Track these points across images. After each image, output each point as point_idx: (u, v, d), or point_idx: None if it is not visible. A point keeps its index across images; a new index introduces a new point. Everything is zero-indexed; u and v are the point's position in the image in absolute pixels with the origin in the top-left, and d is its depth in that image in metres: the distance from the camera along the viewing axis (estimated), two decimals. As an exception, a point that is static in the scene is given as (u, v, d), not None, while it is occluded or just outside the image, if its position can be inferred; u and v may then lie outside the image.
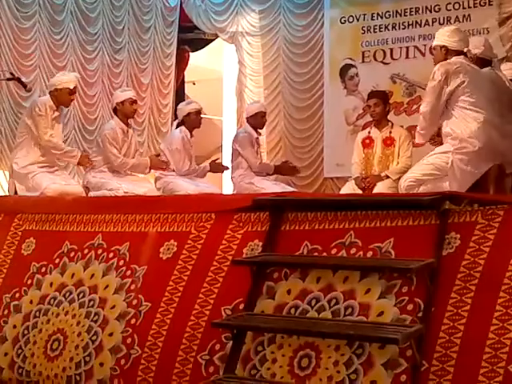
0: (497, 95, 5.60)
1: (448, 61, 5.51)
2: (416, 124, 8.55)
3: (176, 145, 7.78)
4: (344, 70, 9.73)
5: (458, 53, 5.59)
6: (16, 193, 7.03)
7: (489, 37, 7.72)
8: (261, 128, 8.34)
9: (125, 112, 7.38)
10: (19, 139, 7.14)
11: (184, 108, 7.99)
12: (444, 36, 5.68)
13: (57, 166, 7.27)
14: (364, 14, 9.57)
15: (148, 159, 7.64)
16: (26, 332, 4.40)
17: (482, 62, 5.78)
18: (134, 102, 7.47)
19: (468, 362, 3.17)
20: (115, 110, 7.47)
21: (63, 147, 7.11)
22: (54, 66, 9.05)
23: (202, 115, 8.21)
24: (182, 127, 7.86)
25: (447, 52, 5.60)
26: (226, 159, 9.55)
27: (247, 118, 8.28)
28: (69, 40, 9.34)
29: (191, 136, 7.89)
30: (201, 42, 11.10)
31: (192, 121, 7.82)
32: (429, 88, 5.57)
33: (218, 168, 8.31)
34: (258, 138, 8.23)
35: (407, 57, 9.20)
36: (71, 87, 7.00)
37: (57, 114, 7.03)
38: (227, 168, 8.30)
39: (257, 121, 8.16)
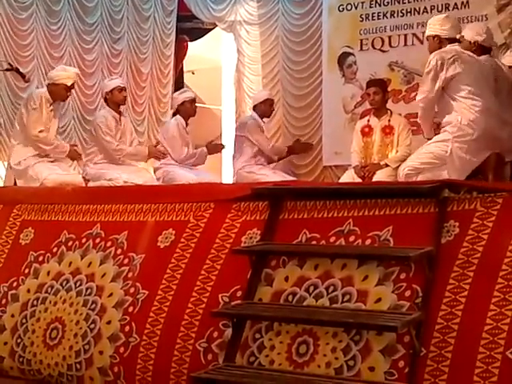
0: (496, 83, 5.58)
1: (443, 49, 5.52)
2: (414, 112, 8.64)
3: (172, 132, 7.86)
4: (342, 58, 9.69)
5: (451, 40, 5.60)
6: (15, 184, 7.05)
7: (487, 23, 7.70)
8: (268, 116, 8.40)
9: (114, 100, 7.47)
10: (15, 130, 7.19)
11: (178, 97, 8.06)
12: (435, 25, 5.68)
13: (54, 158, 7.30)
14: (362, 2, 9.51)
15: (146, 148, 7.66)
16: (24, 321, 4.42)
17: (482, 49, 5.76)
18: (123, 89, 7.54)
19: (466, 348, 3.17)
20: (105, 100, 7.53)
21: (52, 142, 7.07)
22: (51, 56, 9.03)
23: (201, 104, 8.25)
24: (177, 116, 7.91)
25: (440, 41, 5.62)
26: (226, 148, 9.54)
27: (255, 106, 8.34)
28: (66, 30, 9.30)
29: (187, 125, 7.91)
30: (199, 32, 11.06)
31: (187, 109, 7.87)
32: (424, 76, 5.59)
33: (215, 148, 8.29)
34: (263, 126, 8.27)
35: (405, 44, 9.15)
36: (68, 84, 7.03)
37: (53, 107, 7.05)
38: (224, 146, 8.30)
39: (265, 108, 8.30)
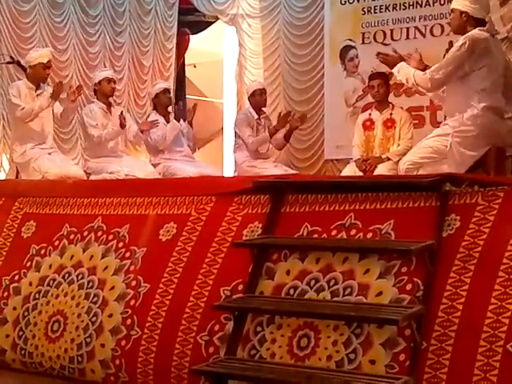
0: (505, 78, 5.49)
1: (475, 35, 5.21)
2: (416, 105, 8.63)
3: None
4: (344, 52, 9.70)
5: (478, 21, 5.32)
6: (17, 177, 7.07)
7: (490, 16, 7.69)
8: (263, 106, 8.31)
9: (103, 91, 7.50)
10: (12, 127, 7.21)
11: (151, 91, 8.08)
12: (466, 1, 5.32)
13: (53, 146, 7.31)
14: (364, -5, 9.54)
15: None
16: (26, 314, 4.43)
17: (476, 21, 5.61)
18: (111, 80, 7.54)
19: (466, 341, 3.18)
20: (95, 92, 7.59)
21: (34, 106, 6.89)
22: (55, 48, 8.99)
23: (202, 98, 8.21)
24: (153, 112, 7.92)
25: (467, 19, 5.32)
26: (227, 142, 9.56)
27: (248, 99, 8.32)
28: (70, 22, 9.29)
29: (167, 115, 7.85)
30: (201, 25, 11.06)
31: (161, 101, 7.86)
32: (450, 57, 5.27)
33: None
34: (259, 118, 8.19)
35: (407, 38, 9.17)
36: (44, 61, 7.04)
37: (39, 91, 7.06)
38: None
39: (255, 99, 8.18)
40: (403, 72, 5.61)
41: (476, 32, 5.26)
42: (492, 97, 5.26)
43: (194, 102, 8.06)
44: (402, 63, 5.64)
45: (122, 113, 7.44)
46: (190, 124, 7.98)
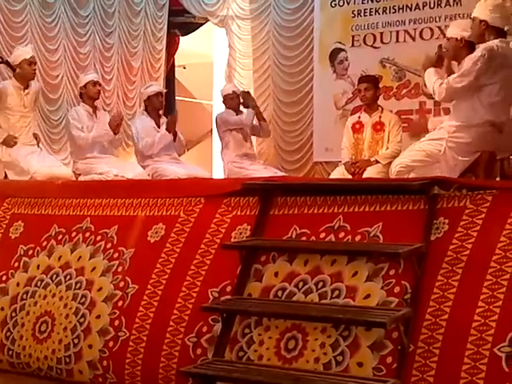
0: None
1: (494, 46, 5.16)
2: (405, 108, 8.66)
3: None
4: (334, 54, 9.72)
5: (498, 31, 5.27)
6: (6, 176, 7.04)
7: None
8: (237, 109, 8.36)
9: (89, 94, 7.50)
10: None
11: (143, 92, 8.05)
12: (486, 10, 5.29)
13: (41, 147, 7.35)
14: (354, -2, 9.56)
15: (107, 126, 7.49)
16: (13, 314, 4.43)
17: (469, 44, 5.66)
18: (97, 83, 7.55)
19: (453, 344, 3.18)
20: (81, 95, 7.62)
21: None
22: (45, 48, 9.02)
23: (192, 99, 8.18)
24: (144, 114, 7.90)
25: (487, 27, 5.27)
26: (216, 143, 9.55)
27: (223, 102, 8.39)
28: (60, 23, 9.28)
29: (159, 118, 7.84)
30: (191, 26, 11.06)
31: (153, 103, 7.83)
32: (469, 68, 5.17)
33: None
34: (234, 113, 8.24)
35: (397, 41, 9.19)
36: (28, 57, 7.05)
37: (27, 90, 7.06)
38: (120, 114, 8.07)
39: (227, 104, 8.26)
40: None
41: (495, 43, 5.22)
42: (498, 112, 5.23)
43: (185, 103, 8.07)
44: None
45: (120, 114, 7.43)
46: (174, 136, 7.91)
